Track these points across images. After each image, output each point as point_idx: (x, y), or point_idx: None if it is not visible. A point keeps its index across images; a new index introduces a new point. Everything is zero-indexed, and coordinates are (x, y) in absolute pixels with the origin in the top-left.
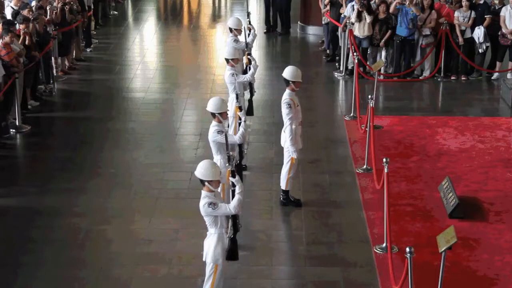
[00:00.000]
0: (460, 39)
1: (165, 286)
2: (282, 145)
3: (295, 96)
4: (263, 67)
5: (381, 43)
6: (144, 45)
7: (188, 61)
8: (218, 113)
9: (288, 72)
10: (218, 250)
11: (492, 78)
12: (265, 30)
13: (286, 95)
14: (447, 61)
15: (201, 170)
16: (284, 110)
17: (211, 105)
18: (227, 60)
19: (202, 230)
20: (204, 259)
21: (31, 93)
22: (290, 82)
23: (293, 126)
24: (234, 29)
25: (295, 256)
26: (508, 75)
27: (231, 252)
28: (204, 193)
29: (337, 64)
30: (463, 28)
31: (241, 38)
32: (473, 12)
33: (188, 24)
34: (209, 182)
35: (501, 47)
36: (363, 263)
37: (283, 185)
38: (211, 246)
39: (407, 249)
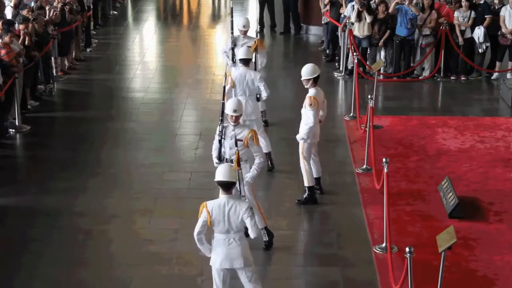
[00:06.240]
0: (460, 39)
1: (165, 286)
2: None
3: (320, 92)
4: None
5: (380, 43)
6: (144, 45)
7: (188, 61)
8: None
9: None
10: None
11: (492, 78)
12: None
13: (310, 94)
14: (447, 61)
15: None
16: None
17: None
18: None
19: None
20: (240, 266)
21: (31, 93)
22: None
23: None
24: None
25: (295, 256)
26: (508, 75)
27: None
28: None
29: (336, 64)
30: (463, 28)
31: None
32: (473, 12)
33: (188, 24)
34: None
35: (501, 47)
36: (363, 263)
37: (306, 182)
38: (248, 250)
39: (407, 249)
